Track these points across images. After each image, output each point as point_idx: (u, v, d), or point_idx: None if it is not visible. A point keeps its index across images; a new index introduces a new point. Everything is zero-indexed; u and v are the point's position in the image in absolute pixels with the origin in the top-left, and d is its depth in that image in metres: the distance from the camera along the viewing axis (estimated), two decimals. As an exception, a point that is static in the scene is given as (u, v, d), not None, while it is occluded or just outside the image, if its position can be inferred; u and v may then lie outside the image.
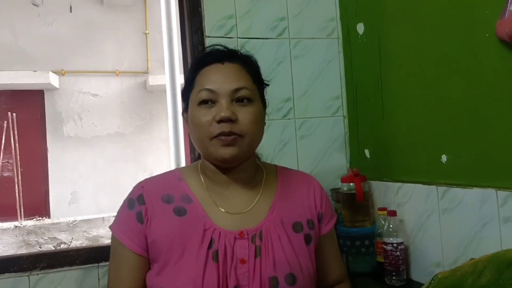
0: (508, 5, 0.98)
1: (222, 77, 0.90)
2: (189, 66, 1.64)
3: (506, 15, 0.99)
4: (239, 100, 0.90)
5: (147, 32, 5.64)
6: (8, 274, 1.37)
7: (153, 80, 5.41)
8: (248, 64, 0.95)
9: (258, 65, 0.99)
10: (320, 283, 1.01)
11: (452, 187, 1.24)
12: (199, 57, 0.98)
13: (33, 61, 5.26)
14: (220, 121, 0.87)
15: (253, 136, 0.91)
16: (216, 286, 0.84)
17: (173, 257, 0.87)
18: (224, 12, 1.64)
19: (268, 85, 1.01)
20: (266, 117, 1.00)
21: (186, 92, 0.96)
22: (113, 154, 5.47)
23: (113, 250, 0.94)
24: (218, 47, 0.97)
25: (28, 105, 5.38)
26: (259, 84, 0.97)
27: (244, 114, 0.89)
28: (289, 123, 1.72)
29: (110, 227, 0.95)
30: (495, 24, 1.05)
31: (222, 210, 0.93)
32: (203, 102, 0.90)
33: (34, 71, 5.11)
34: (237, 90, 0.90)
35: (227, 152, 0.88)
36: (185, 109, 0.98)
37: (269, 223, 0.93)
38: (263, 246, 0.90)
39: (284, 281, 0.88)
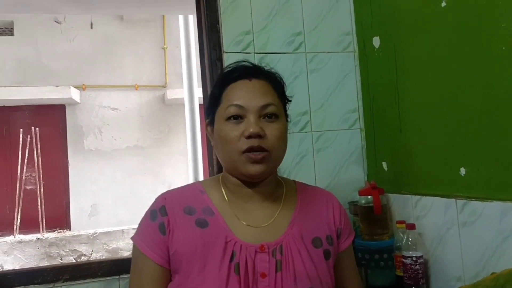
0: (524, 18, 0.98)
1: (250, 93, 0.93)
2: (208, 81, 1.68)
3: (522, 29, 0.99)
4: (266, 116, 0.93)
5: (165, 47, 5.74)
6: (32, 286, 1.41)
7: (171, 93, 5.49)
8: (273, 81, 0.98)
9: (283, 82, 1.02)
10: None
11: (472, 200, 1.23)
12: (226, 73, 1.00)
13: (55, 76, 5.40)
14: (249, 137, 0.90)
15: (279, 152, 0.95)
16: None
17: (195, 269, 0.88)
18: (242, 28, 1.68)
19: (290, 101, 1.04)
20: None
21: (212, 107, 0.98)
22: (132, 167, 5.55)
23: (135, 261, 0.95)
24: (244, 63, 0.99)
25: (50, 120, 5.51)
26: (284, 100, 1.00)
27: (272, 130, 0.92)
28: (306, 136, 1.73)
29: (132, 238, 0.97)
30: (511, 37, 1.05)
31: (244, 223, 0.94)
32: (232, 117, 0.92)
33: (56, 86, 5.25)
34: (265, 106, 0.93)
35: (255, 169, 0.91)
36: (210, 123, 0.99)
37: (289, 237, 0.94)
38: (284, 260, 0.91)
39: None
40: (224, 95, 0.95)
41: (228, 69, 1.00)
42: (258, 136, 0.89)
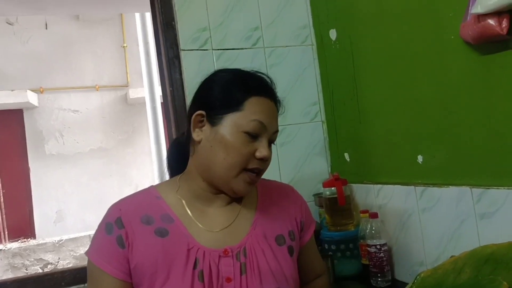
0: (470, 8, 1.01)
1: (270, 116, 0.92)
2: (166, 80, 1.65)
3: (468, 18, 1.02)
4: (270, 141, 0.93)
5: (125, 45, 5.61)
6: (-9, 301, 1.35)
7: (134, 93, 5.36)
8: (278, 108, 0.97)
9: (283, 112, 1.00)
10: (302, 281, 1.02)
11: (429, 186, 1.27)
12: (249, 77, 0.94)
13: (10, 80, 5.18)
14: (261, 159, 0.89)
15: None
16: None
17: (158, 280, 0.85)
18: (198, 24, 1.65)
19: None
20: None
21: (224, 108, 0.90)
22: (97, 170, 5.40)
23: (92, 277, 0.90)
24: (266, 78, 0.96)
25: (7, 125, 5.29)
26: None
27: (270, 155, 0.93)
28: (269, 131, 1.73)
29: (87, 253, 0.91)
30: (459, 27, 1.08)
31: (205, 228, 0.92)
32: (251, 134, 0.88)
33: (12, 90, 5.04)
34: (275, 132, 0.94)
35: (248, 189, 0.92)
36: (210, 121, 0.91)
37: (253, 238, 0.93)
38: (248, 263, 0.90)
39: None
40: (249, 105, 0.89)
41: (250, 74, 0.95)
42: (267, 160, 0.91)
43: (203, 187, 0.94)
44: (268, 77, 0.97)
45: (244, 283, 0.88)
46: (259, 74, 0.96)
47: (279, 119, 0.96)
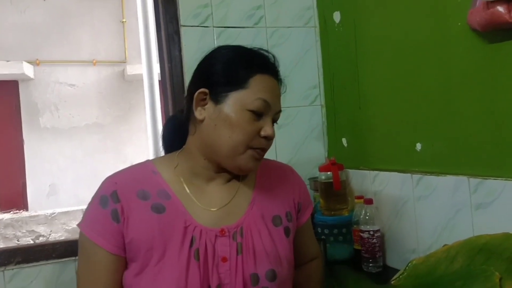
0: (479, -6, 0.99)
1: (276, 96, 0.91)
2: (165, 55, 1.62)
3: (477, 4, 1.00)
4: (274, 121, 0.93)
5: (124, 20, 5.52)
6: (-19, 270, 1.35)
7: (131, 69, 5.30)
8: (280, 87, 0.96)
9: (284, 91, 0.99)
10: (297, 263, 1.02)
11: (426, 174, 1.26)
12: (254, 54, 0.92)
13: (5, 50, 5.10)
14: (265, 137, 0.89)
15: None
16: (198, 285, 0.83)
17: (154, 257, 0.84)
18: (200, 0, 1.62)
19: None
20: None
21: (228, 86, 0.88)
22: (92, 145, 5.37)
23: (84, 251, 0.88)
24: (271, 55, 0.95)
25: (2, 96, 5.23)
26: None
27: (274, 135, 0.92)
28: (267, 112, 1.71)
29: (79, 225, 0.89)
30: (466, 13, 1.06)
31: (202, 206, 0.91)
32: (256, 112, 0.87)
33: (7, 61, 4.96)
34: (279, 112, 0.93)
35: (255, 165, 0.91)
36: (213, 99, 0.88)
37: (250, 218, 0.92)
38: (244, 243, 0.89)
39: (264, 277, 0.88)
40: (253, 83, 0.87)
41: (254, 51, 0.93)
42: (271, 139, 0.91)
43: (204, 165, 0.92)
44: (273, 55, 0.95)
45: (239, 263, 0.87)
46: (263, 52, 0.94)
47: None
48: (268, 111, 0.89)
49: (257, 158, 0.90)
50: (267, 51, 0.95)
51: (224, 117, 0.87)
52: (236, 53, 0.92)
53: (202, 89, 0.89)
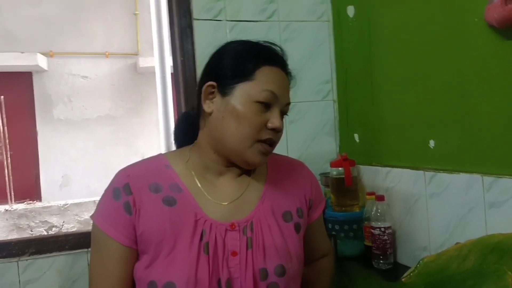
0: (498, -11, 0.97)
1: (284, 87, 0.91)
2: (177, 49, 1.62)
3: (494, 0, 0.98)
4: (283, 113, 0.92)
5: (137, 12, 5.53)
6: (-4, 260, 1.37)
7: (144, 62, 5.32)
8: (290, 80, 0.96)
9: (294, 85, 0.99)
10: (307, 259, 1.02)
11: (439, 172, 1.25)
12: (260, 48, 0.93)
13: (20, 42, 5.15)
14: (273, 129, 0.88)
15: None
16: (207, 279, 0.83)
17: (164, 250, 0.85)
18: (213, -7, 1.61)
19: None
20: None
21: (235, 78, 0.88)
22: (104, 137, 5.42)
23: (97, 242, 0.89)
24: (278, 48, 0.95)
25: (16, 88, 5.29)
26: None
27: (283, 127, 0.91)
28: (279, 107, 1.71)
29: (92, 217, 0.90)
30: (484, 9, 1.04)
31: (213, 200, 0.91)
32: (263, 103, 0.87)
33: (22, 52, 5.01)
34: (288, 104, 0.92)
35: (262, 160, 0.90)
36: (221, 92, 0.89)
37: (260, 213, 0.92)
38: (254, 237, 0.89)
39: (273, 272, 0.88)
40: (260, 74, 0.87)
41: (261, 44, 0.94)
42: (279, 131, 0.90)
43: (214, 160, 0.92)
44: (280, 47, 0.95)
45: (249, 257, 0.87)
46: (270, 44, 0.94)
47: (290, 93, 0.95)
48: (275, 102, 0.88)
49: (264, 153, 0.89)
50: (275, 44, 0.95)
51: (231, 109, 0.87)
52: (244, 47, 0.92)
53: (210, 82, 0.90)
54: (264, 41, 0.95)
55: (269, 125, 0.87)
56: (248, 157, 0.88)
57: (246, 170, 0.96)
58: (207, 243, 0.86)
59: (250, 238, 0.89)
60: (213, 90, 0.90)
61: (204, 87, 0.90)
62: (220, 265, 0.86)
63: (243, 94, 0.87)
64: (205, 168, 0.94)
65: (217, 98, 0.89)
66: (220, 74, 0.90)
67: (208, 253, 0.85)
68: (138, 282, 0.88)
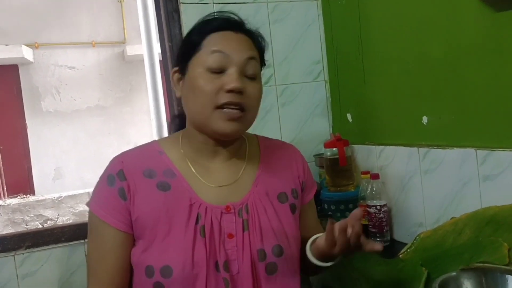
0: (488, -39, 0.95)
1: (236, 44, 0.87)
2: (165, 34, 1.59)
3: (485, -28, 0.97)
4: (247, 74, 0.88)
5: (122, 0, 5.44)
6: (-8, 254, 1.36)
7: (131, 50, 5.25)
8: (256, 39, 0.93)
9: (265, 43, 0.96)
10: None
11: (433, 148, 1.25)
12: (208, 20, 0.92)
13: (4, 34, 5.05)
14: (230, 91, 0.84)
15: (254, 114, 0.92)
16: (205, 262, 0.84)
17: (159, 234, 0.86)
18: (198, -24, 1.58)
19: (265, 65, 0.98)
20: None
21: (185, 55, 0.89)
22: (94, 128, 5.37)
23: (93, 229, 0.90)
24: (231, 15, 0.93)
25: (3, 81, 5.20)
26: (262, 62, 0.96)
27: (252, 90, 0.87)
28: (271, 90, 1.69)
29: (88, 204, 0.91)
30: (474, -18, 1.03)
31: (207, 183, 0.91)
32: (213, 68, 0.85)
33: (6, 45, 4.92)
34: (249, 59, 0.87)
35: (230, 127, 0.86)
36: (180, 71, 0.92)
37: (255, 195, 0.93)
38: (250, 219, 0.90)
39: (271, 252, 0.88)
40: (205, 43, 0.87)
41: (208, 17, 0.93)
42: (240, 92, 0.85)
43: (202, 141, 0.92)
44: (235, 14, 0.94)
45: (246, 239, 0.88)
46: (220, 14, 0.93)
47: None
48: (228, 63, 0.86)
49: (230, 118, 0.85)
50: (230, 12, 0.94)
51: (188, 85, 0.89)
52: (194, 25, 0.94)
53: (174, 69, 0.94)
54: (218, 13, 0.95)
55: (225, 87, 0.84)
56: (213, 127, 0.87)
57: (237, 151, 0.96)
58: (203, 226, 0.86)
59: (246, 220, 0.89)
60: (179, 75, 0.93)
61: (171, 75, 0.95)
62: (217, 248, 0.86)
63: (194, 66, 0.88)
64: (196, 152, 0.94)
65: (182, 81, 0.92)
66: (178, 58, 0.93)
67: (204, 236, 0.86)
68: (135, 267, 0.89)
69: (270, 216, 0.92)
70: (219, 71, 0.85)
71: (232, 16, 0.93)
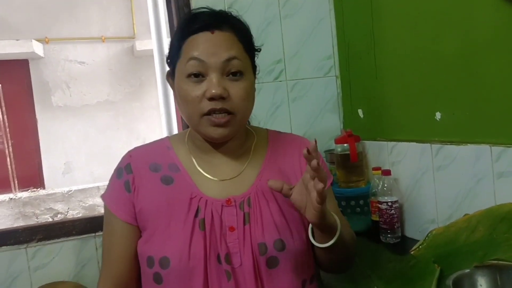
0: (506, -47, 0.94)
1: (212, 48, 0.85)
2: (175, 29, 1.59)
3: (503, -35, 0.95)
4: (230, 74, 0.86)
5: (131, -5, 5.45)
6: (5, 247, 1.38)
7: (140, 45, 5.26)
8: (239, 32, 0.89)
9: (250, 31, 0.93)
10: None
11: (446, 144, 1.24)
12: (186, 21, 0.90)
13: (15, 29, 5.09)
14: (211, 99, 0.84)
15: (245, 113, 0.90)
16: (203, 255, 0.85)
17: (160, 226, 0.88)
18: (210, -30, 1.57)
19: (259, 51, 0.96)
20: (257, 80, 0.96)
21: (173, 59, 0.91)
22: (104, 123, 5.40)
23: (106, 219, 0.96)
24: (206, 10, 0.91)
25: (13, 76, 5.25)
26: (251, 52, 0.93)
27: (236, 91, 0.86)
28: (281, 85, 1.69)
29: (102, 196, 0.96)
30: (491, -25, 1.01)
31: (210, 177, 0.92)
32: (192, 75, 0.85)
33: (17, 40, 4.96)
34: (228, 60, 0.85)
35: (217, 132, 0.87)
36: (171, 75, 0.94)
37: (258, 189, 0.92)
38: (252, 213, 0.89)
39: (272, 246, 0.87)
40: (184, 49, 0.87)
41: (188, 17, 0.92)
42: (221, 98, 0.84)
43: (200, 138, 0.94)
44: (211, 9, 0.91)
45: (247, 232, 0.88)
46: (196, 11, 0.91)
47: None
48: (206, 68, 0.84)
49: (217, 124, 0.85)
50: (206, 7, 0.91)
51: (177, 92, 0.90)
52: (177, 26, 0.95)
53: (167, 72, 0.95)
54: (196, 9, 0.93)
55: (207, 94, 0.84)
56: (203, 132, 0.89)
57: (241, 146, 0.96)
58: (203, 220, 0.87)
59: (248, 214, 0.89)
60: (171, 80, 0.94)
61: (166, 78, 0.97)
62: (218, 241, 0.87)
63: (178, 73, 0.89)
64: (198, 148, 0.95)
65: (174, 85, 0.93)
66: (167, 63, 0.94)
67: (204, 229, 0.87)
68: (140, 258, 0.92)
69: (273, 210, 0.91)
70: (201, 77, 0.85)
71: (206, 10, 0.90)
